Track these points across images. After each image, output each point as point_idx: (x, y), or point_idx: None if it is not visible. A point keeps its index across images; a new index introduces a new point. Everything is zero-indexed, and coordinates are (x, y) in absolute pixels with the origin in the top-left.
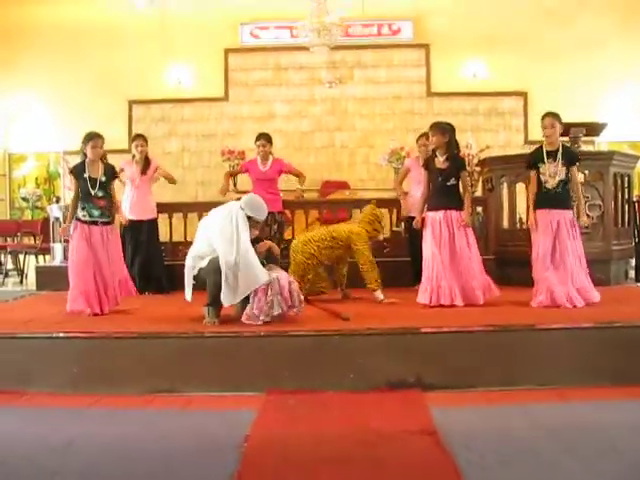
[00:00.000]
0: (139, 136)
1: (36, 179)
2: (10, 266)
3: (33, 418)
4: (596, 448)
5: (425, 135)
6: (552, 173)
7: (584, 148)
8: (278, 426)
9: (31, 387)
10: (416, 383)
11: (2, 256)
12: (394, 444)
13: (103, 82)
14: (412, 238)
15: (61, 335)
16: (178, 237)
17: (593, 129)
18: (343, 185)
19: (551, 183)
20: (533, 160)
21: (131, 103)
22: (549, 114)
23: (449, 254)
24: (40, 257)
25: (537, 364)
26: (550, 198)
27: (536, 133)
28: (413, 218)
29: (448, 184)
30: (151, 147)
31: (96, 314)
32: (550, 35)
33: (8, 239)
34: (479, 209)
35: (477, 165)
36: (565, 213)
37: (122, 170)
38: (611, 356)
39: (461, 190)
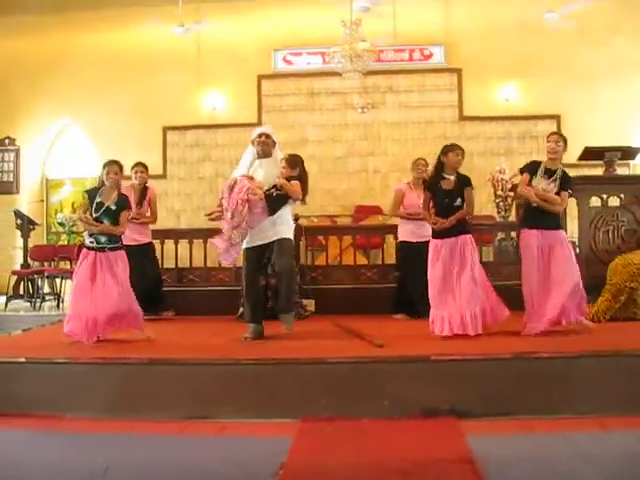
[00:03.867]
0: (139, 163)
1: (72, 204)
2: (47, 290)
3: (71, 443)
4: (637, 478)
5: (421, 159)
6: (544, 189)
7: (619, 172)
8: (314, 454)
9: (69, 412)
10: (451, 411)
11: (39, 280)
12: (431, 473)
13: (139, 108)
14: (404, 265)
15: (99, 361)
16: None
17: (628, 153)
18: (376, 210)
19: None
20: (529, 169)
21: (165, 129)
22: (555, 133)
23: (457, 280)
24: None
25: (576, 392)
26: (540, 214)
27: (570, 156)
28: (406, 242)
29: (455, 204)
30: (185, 172)
31: (94, 340)
32: (583, 57)
33: (45, 263)
34: (513, 234)
35: (510, 190)
36: (557, 233)
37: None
38: None
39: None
